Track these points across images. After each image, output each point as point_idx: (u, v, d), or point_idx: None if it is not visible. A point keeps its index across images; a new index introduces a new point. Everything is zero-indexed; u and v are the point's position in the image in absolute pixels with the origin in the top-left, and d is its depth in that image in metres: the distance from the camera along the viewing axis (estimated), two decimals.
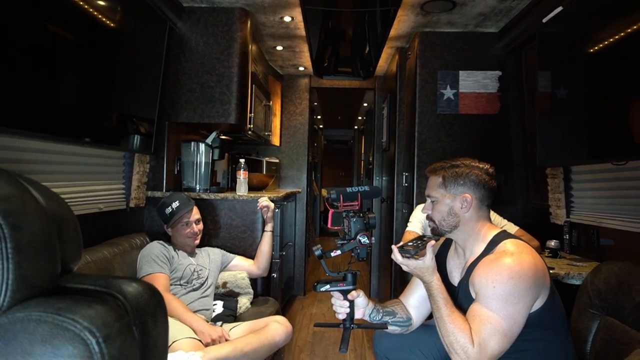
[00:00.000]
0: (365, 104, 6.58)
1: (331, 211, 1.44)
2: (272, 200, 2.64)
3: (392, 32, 3.24)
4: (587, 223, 2.37)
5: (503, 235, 1.43)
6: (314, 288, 1.40)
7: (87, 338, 0.47)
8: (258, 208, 2.60)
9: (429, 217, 1.52)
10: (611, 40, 1.86)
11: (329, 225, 1.47)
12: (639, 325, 1.51)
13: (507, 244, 1.36)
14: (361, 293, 1.46)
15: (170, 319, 1.88)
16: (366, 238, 1.36)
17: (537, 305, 1.32)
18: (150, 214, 2.68)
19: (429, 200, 1.53)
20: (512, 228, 2.43)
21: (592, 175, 2.36)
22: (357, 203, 1.42)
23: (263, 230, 2.63)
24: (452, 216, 1.45)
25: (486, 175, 1.46)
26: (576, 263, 2.21)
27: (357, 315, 1.46)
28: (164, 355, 0.63)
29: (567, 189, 2.53)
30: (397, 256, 1.39)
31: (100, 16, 1.91)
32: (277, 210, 3.06)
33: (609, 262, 1.79)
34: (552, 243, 2.41)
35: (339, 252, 1.38)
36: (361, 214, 1.41)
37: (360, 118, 8.04)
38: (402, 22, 3.04)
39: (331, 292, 1.41)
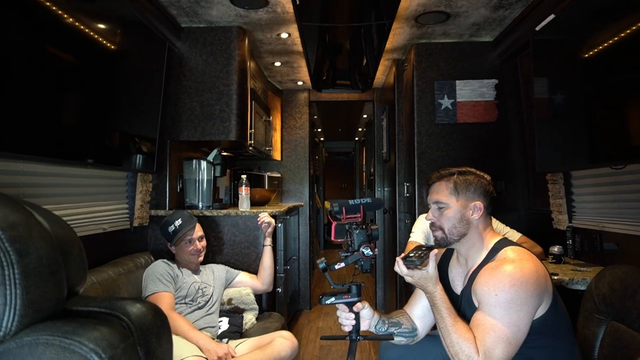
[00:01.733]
0: (364, 116, 6.62)
1: (334, 224, 1.45)
2: (273, 216, 2.66)
3: (388, 45, 3.28)
4: (590, 228, 2.36)
5: (504, 242, 1.44)
6: (319, 301, 1.40)
7: (94, 359, 0.48)
8: (258, 224, 2.62)
9: (435, 226, 1.47)
10: (605, 45, 1.88)
11: (332, 238, 1.48)
12: None
13: (508, 252, 1.37)
14: (366, 304, 1.46)
15: (176, 338, 1.90)
16: (369, 250, 1.37)
17: (541, 311, 1.32)
18: (154, 233, 2.70)
19: (434, 206, 1.48)
20: (515, 235, 2.43)
21: (592, 180, 2.36)
22: (359, 215, 1.43)
23: (263, 245, 2.64)
24: (463, 223, 1.43)
25: (490, 184, 1.48)
26: (580, 268, 2.21)
27: (363, 327, 1.47)
28: None
29: (568, 194, 2.54)
30: (402, 268, 1.39)
31: (100, 39, 1.95)
32: (279, 224, 3.08)
33: (612, 267, 1.78)
34: (556, 249, 2.40)
35: (342, 264, 1.39)
36: (364, 226, 1.42)
37: (360, 129, 8.08)
38: (398, 35, 3.08)
39: (336, 305, 1.42)
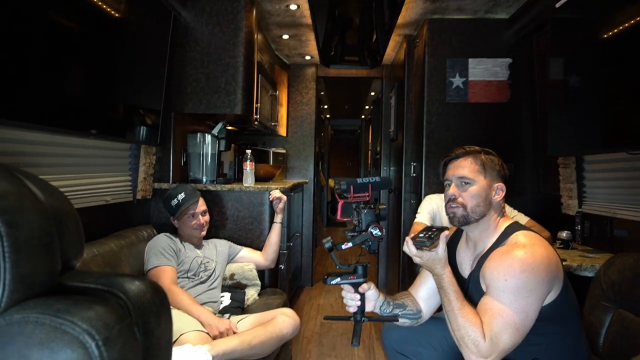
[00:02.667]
0: (372, 93, 6.52)
1: (341, 202, 1.41)
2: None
3: (400, 20, 3.18)
4: (600, 214, 2.32)
5: (515, 226, 1.40)
6: (324, 281, 1.38)
7: (86, 341, 0.45)
8: (270, 199, 2.60)
9: (455, 202, 1.39)
10: (627, 25, 1.79)
11: (338, 217, 1.44)
12: None
13: (519, 236, 1.33)
14: (372, 285, 1.44)
15: (177, 312, 1.89)
16: (378, 230, 1.33)
17: (550, 298, 1.29)
18: (157, 206, 2.67)
19: (458, 181, 1.40)
20: (523, 219, 2.39)
21: (606, 165, 2.30)
22: (367, 194, 1.39)
23: (272, 222, 2.62)
24: (486, 203, 1.38)
25: (506, 168, 1.45)
26: (589, 255, 2.17)
27: (368, 308, 1.44)
28: (167, 354, 0.62)
29: (579, 179, 2.48)
30: (411, 248, 1.35)
31: (104, 6, 1.88)
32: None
33: (623, 254, 1.75)
34: (564, 234, 2.37)
35: (350, 244, 1.35)
36: (372, 205, 1.38)
37: (367, 107, 7.97)
38: (411, 9, 2.98)
39: (341, 285, 1.39)
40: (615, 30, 1.87)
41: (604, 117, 2.02)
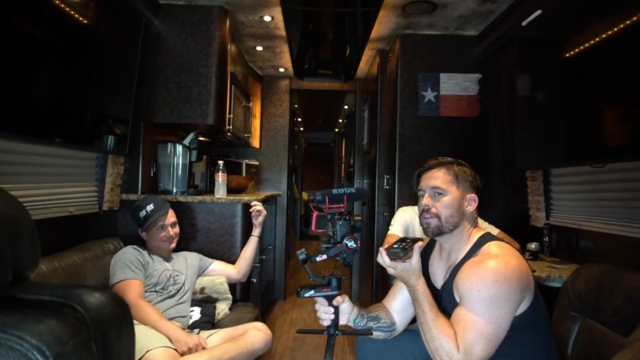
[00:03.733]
0: (346, 107, 6.57)
1: (315, 213, 1.39)
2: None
3: (373, 34, 3.22)
4: (567, 225, 2.38)
5: (488, 237, 1.41)
6: (297, 294, 1.34)
7: (36, 358, 0.41)
8: (250, 211, 2.55)
9: (429, 213, 1.40)
10: (588, 44, 1.87)
11: (312, 228, 1.42)
12: (619, 328, 1.51)
13: (492, 247, 1.34)
14: (346, 298, 1.41)
15: (144, 327, 1.82)
16: (353, 242, 1.32)
17: (522, 308, 1.30)
18: (124, 218, 2.58)
19: (431, 192, 1.42)
20: (494, 231, 2.42)
21: (571, 178, 2.37)
22: (342, 205, 1.37)
23: (249, 235, 2.57)
24: (459, 214, 1.40)
25: (479, 180, 1.47)
26: (556, 265, 2.22)
27: (342, 321, 1.42)
28: None
29: (546, 192, 2.55)
30: (384, 259, 1.34)
31: (72, 12, 1.82)
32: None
33: (589, 265, 1.79)
34: (532, 245, 2.42)
35: (324, 256, 1.33)
36: (347, 217, 1.36)
37: (340, 121, 8.03)
38: (383, 24, 3.02)
39: (315, 298, 1.36)
40: (578, 49, 1.94)
41: (569, 131, 2.08)
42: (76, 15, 1.86)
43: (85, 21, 1.93)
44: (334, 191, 1.36)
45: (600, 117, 1.88)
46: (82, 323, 0.50)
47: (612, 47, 1.74)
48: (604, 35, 1.77)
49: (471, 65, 3.11)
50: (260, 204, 2.58)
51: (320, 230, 1.38)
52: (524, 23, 2.38)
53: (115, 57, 2.30)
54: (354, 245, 1.31)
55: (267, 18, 2.97)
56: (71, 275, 1.83)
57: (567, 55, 2.02)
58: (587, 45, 1.88)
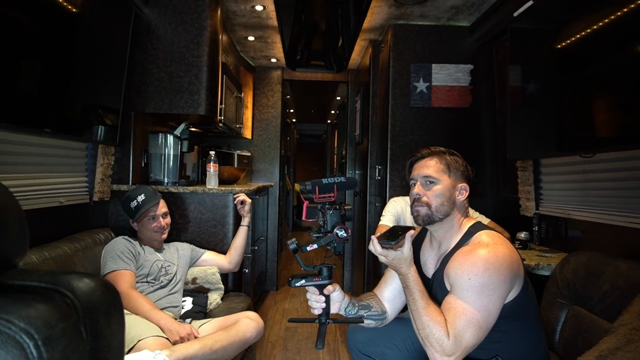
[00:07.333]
0: (338, 98, 6.56)
1: (306, 203, 1.39)
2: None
3: (366, 24, 3.21)
4: (556, 215, 2.41)
5: (478, 226, 1.43)
6: (289, 283, 1.35)
7: (24, 341, 0.41)
8: (234, 203, 2.55)
9: (420, 202, 1.42)
10: (579, 35, 1.88)
11: (303, 218, 1.42)
12: (605, 314, 1.55)
13: (482, 235, 1.35)
14: (337, 287, 1.42)
15: (135, 317, 1.82)
16: (343, 231, 1.32)
17: (511, 296, 1.32)
18: (115, 209, 2.57)
19: (423, 181, 1.43)
20: (484, 220, 2.45)
21: (561, 168, 2.40)
22: (333, 195, 1.38)
23: (238, 225, 2.57)
24: (450, 203, 1.41)
25: (470, 170, 1.48)
26: (545, 254, 2.25)
27: (333, 309, 1.43)
28: (119, 357, 0.57)
29: (536, 182, 2.57)
30: (376, 247, 1.35)
31: (61, 0, 1.79)
32: None
33: (577, 253, 1.82)
34: (522, 235, 2.44)
35: (315, 245, 1.33)
36: (337, 206, 1.37)
37: (333, 112, 8.01)
38: (376, 14, 3.01)
39: (307, 287, 1.37)
40: (569, 41, 1.95)
41: (559, 122, 2.10)
42: (65, 4, 1.83)
43: (74, 9, 1.89)
44: (324, 181, 1.36)
45: (589, 107, 1.90)
46: (71, 308, 0.50)
47: (602, 38, 1.75)
48: (594, 27, 1.78)
49: (463, 56, 3.11)
50: (242, 194, 2.59)
51: (311, 220, 1.38)
52: (515, 14, 2.39)
53: (105, 47, 2.27)
54: (344, 235, 1.32)
55: (258, 7, 2.95)
56: (62, 266, 1.82)
57: (558, 46, 2.03)
58: (577, 36, 1.89)
